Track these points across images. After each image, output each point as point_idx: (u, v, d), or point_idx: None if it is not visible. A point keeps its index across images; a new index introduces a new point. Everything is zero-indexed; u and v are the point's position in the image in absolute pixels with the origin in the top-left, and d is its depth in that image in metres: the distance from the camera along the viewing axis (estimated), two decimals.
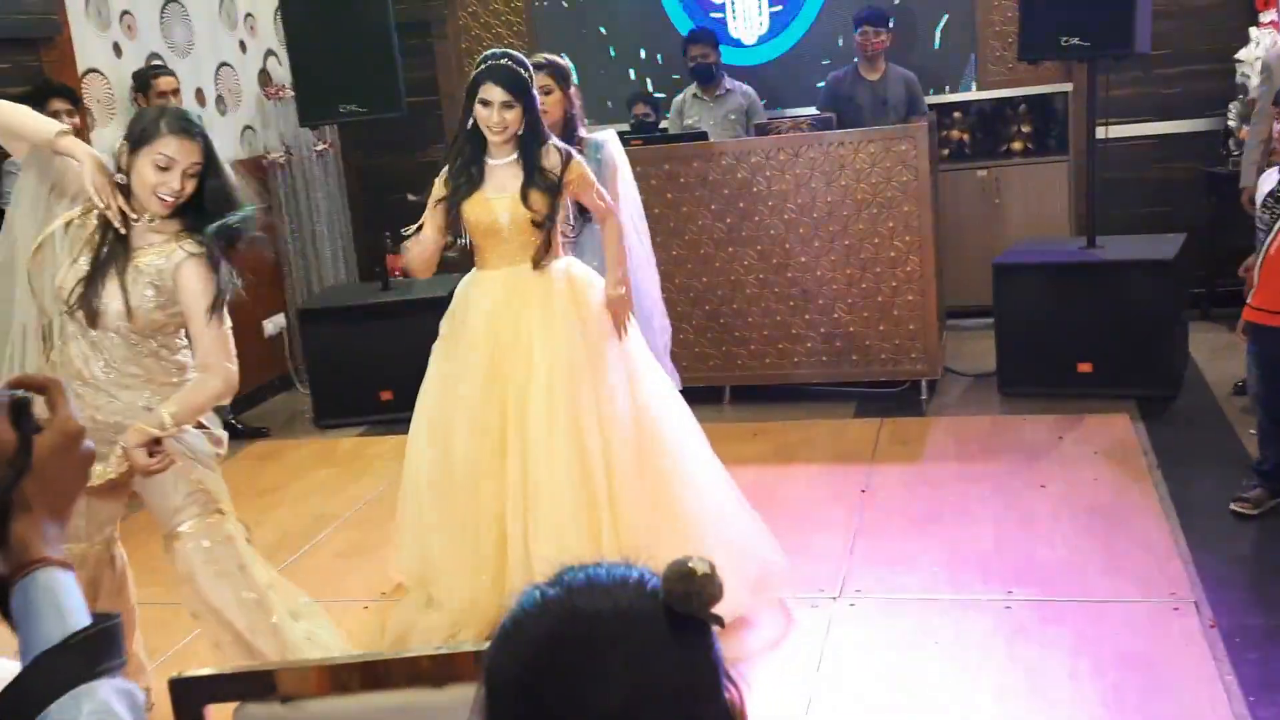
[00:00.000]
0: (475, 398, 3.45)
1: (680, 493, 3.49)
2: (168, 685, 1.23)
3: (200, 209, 2.81)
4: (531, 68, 3.44)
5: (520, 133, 3.38)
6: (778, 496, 4.43)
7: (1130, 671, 3.07)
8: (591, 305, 3.50)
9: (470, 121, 3.41)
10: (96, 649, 0.96)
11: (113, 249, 2.79)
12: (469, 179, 3.43)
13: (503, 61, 3.36)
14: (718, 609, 0.91)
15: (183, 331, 2.93)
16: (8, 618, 1.02)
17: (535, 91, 3.44)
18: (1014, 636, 3.31)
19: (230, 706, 1.23)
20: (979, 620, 3.43)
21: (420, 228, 3.49)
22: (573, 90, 3.97)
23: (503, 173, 3.43)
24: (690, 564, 0.90)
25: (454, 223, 3.46)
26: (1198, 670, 3.05)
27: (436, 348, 3.65)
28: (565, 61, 4.08)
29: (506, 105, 3.33)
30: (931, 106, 6.38)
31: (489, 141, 3.41)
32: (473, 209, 3.42)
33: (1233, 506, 3.95)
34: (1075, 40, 4.99)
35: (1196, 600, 3.40)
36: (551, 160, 3.42)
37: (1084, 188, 5.79)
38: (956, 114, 6.81)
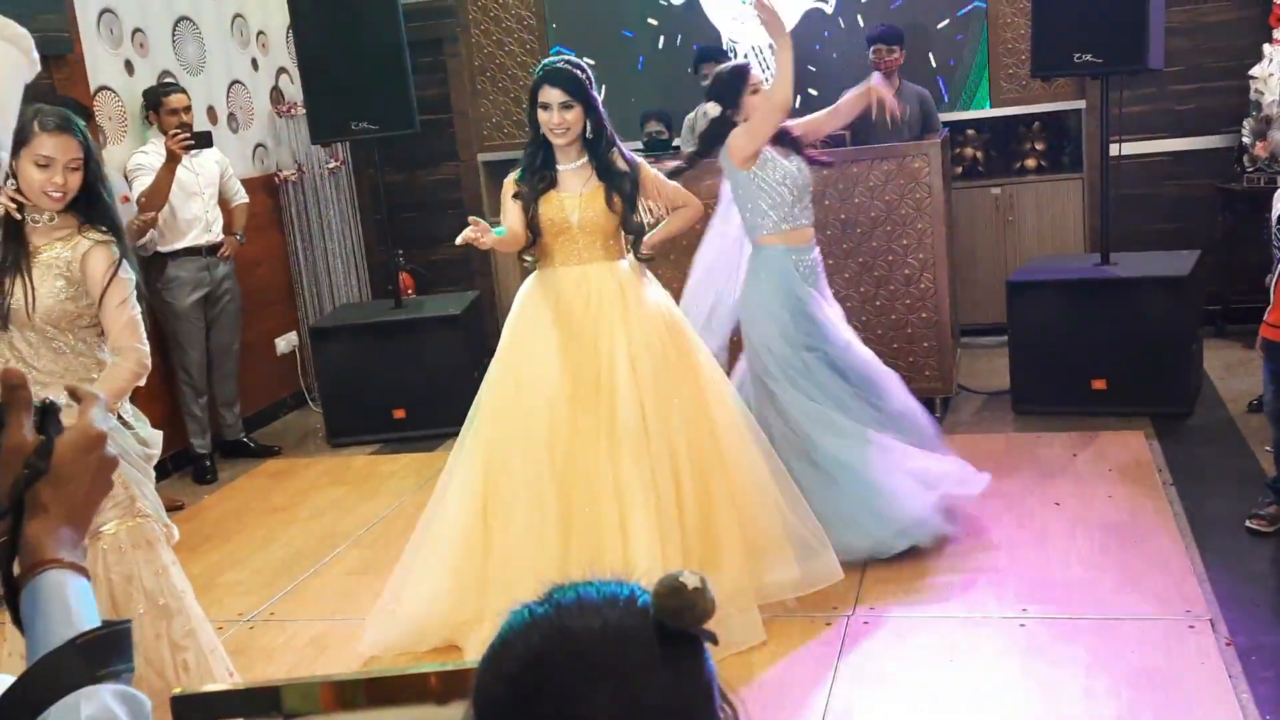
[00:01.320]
0: (559, 394, 3.46)
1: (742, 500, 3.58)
2: (169, 702, 1.22)
3: (91, 201, 2.87)
4: (589, 73, 3.53)
5: (587, 135, 3.51)
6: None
7: (1146, 689, 3.04)
8: (661, 302, 3.63)
9: (539, 133, 3.53)
10: (102, 652, 0.94)
11: (14, 249, 2.85)
12: (543, 179, 3.54)
13: (558, 64, 3.48)
14: (711, 625, 0.90)
15: (97, 329, 2.94)
16: (18, 619, 1.01)
17: (595, 94, 3.53)
18: (1028, 654, 3.28)
19: None
20: (993, 638, 3.40)
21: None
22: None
23: (573, 177, 3.55)
24: (681, 578, 0.88)
25: (532, 219, 3.52)
26: (1214, 688, 3.02)
27: (498, 358, 3.65)
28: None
29: (565, 106, 3.44)
30: (945, 124, 6.37)
31: (555, 147, 3.53)
32: (547, 206, 3.52)
33: (1248, 524, 3.92)
34: (1088, 57, 4.98)
35: (1212, 618, 3.37)
36: (622, 164, 3.55)
37: (1098, 205, 5.77)
38: (970, 131, 6.81)
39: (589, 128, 3.50)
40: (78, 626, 0.96)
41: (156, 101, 5.45)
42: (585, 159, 3.55)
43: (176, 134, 5.06)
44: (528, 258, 3.68)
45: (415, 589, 3.57)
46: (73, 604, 0.98)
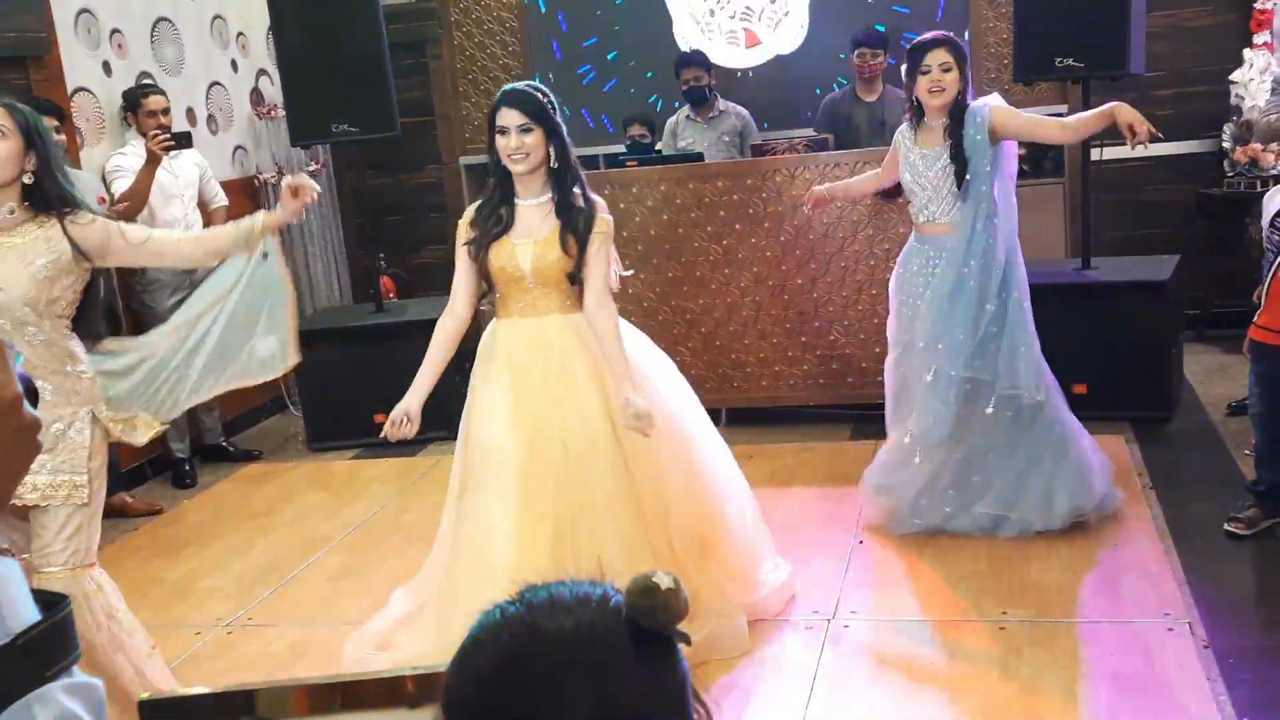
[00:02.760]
0: (511, 456, 3.24)
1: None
2: (136, 707, 1.20)
3: (41, 187, 2.82)
4: (551, 97, 3.25)
5: (553, 165, 3.22)
6: (774, 519, 4.38)
7: (1125, 692, 3.05)
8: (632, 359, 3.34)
9: (499, 164, 3.25)
10: (47, 648, 0.86)
11: None
12: (498, 220, 3.27)
13: (518, 85, 3.28)
14: (684, 626, 0.89)
15: (68, 320, 2.88)
16: None
17: (559, 119, 3.25)
18: (1008, 657, 3.28)
19: None
20: (973, 641, 3.40)
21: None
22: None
23: (532, 214, 3.26)
24: (654, 578, 0.87)
25: (482, 268, 3.28)
26: (1192, 691, 3.03)
27: (469, 403, 3.46)
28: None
29: (524, 129, 3.17)
30: None
31: (515, 178, 3.25)
32: (498, 254, 3.25)
33: (1227, 527, 3.93)
34: (1070, 61, 5.01)
35: (1191, 621, 3.38)
36: (586, 200, 3.26)
37: (1079, 209, 5.79)
38: None
39: (553, 155, 3.21)
40: (18, 621, 0.86)
41: (135, 103, 5.42)
42: (549, 194, 3.26)
43: (156, 135, 5.04)
44: (484, 306, 3.44)
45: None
46: (5, 594, 0.87)
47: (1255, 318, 3.89)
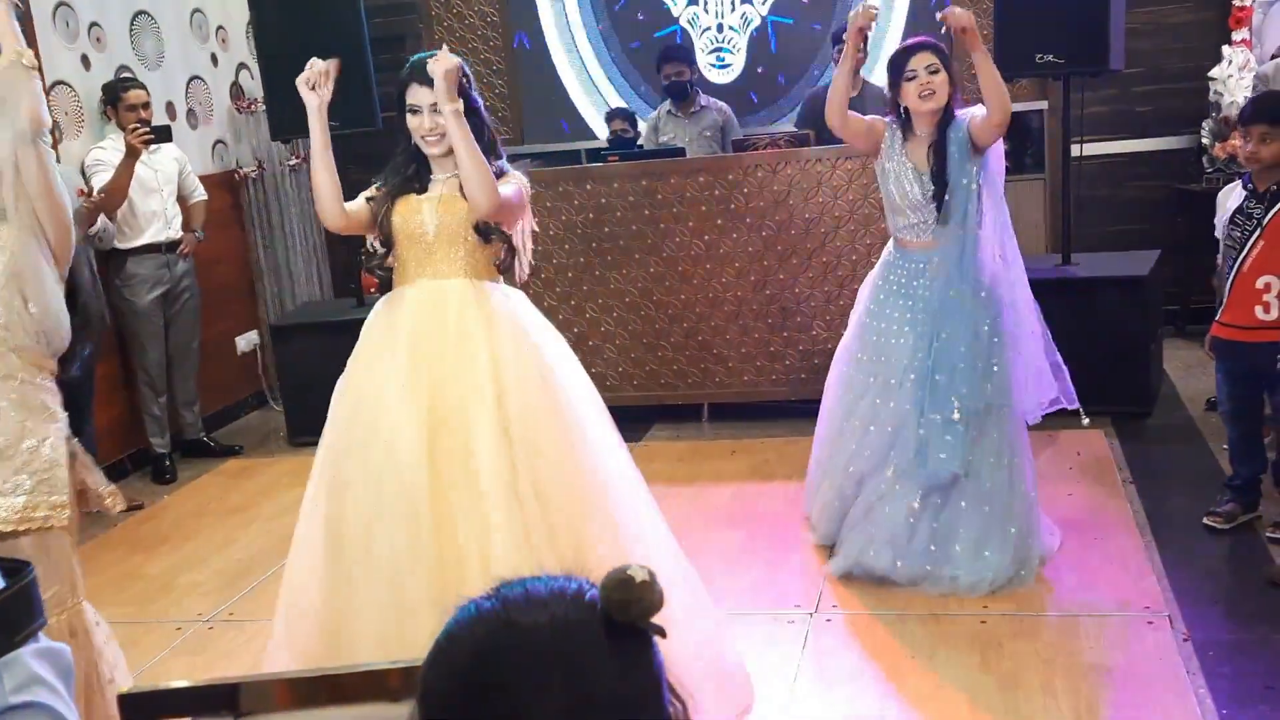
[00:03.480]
0: (405, 430, 2.86)
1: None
2: (116, 700, 1.19)
3: None
4: (465, 69, 2.89)
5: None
6: (756, 513, 4.41)
7: (1104, 685, 3.07)
8: (532, 340, 2.99)
9: (410, 142, 2.99)
10: (13, 615, 0.86)
11: None
12: (407, 180, 3.00)
13: (426, 60, 2.87)
14: (658, 619, 0.89)
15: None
16: None
17: (477, 97, 2.97)
18: (989, 650, 3.30)
19: None
20: (955, 635, 3.41)
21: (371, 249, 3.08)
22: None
23: (443, 186, 3.00)
24: (629, 571, 0.87)
25: (383, 223, 2.97)
26: (1171, 683, 3.05)
27: (340, 385, 3.11)
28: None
29: (437, 108, 2.87)
30: None
31: (429, 156, 2.99)
32: (403, 208, 2.97)
33: (1206, 521, 3.96)
34: (1050, 57, 5.02)
35: (1170, 614, 3.41)
36: (493, 160, 2.94)
37: (1059, 205, 5.81)
38: None
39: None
40: None
41: (115, 97, 5.38)
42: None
43: (136, 129, 5.00)
44: (380, 272, 3.10)
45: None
46: None
47: (1218, 315, 3.92)
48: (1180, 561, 3.74)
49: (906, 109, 3.76)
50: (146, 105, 5.40)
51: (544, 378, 2.95)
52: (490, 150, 2.97)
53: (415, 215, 2.96)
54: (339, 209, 2.99)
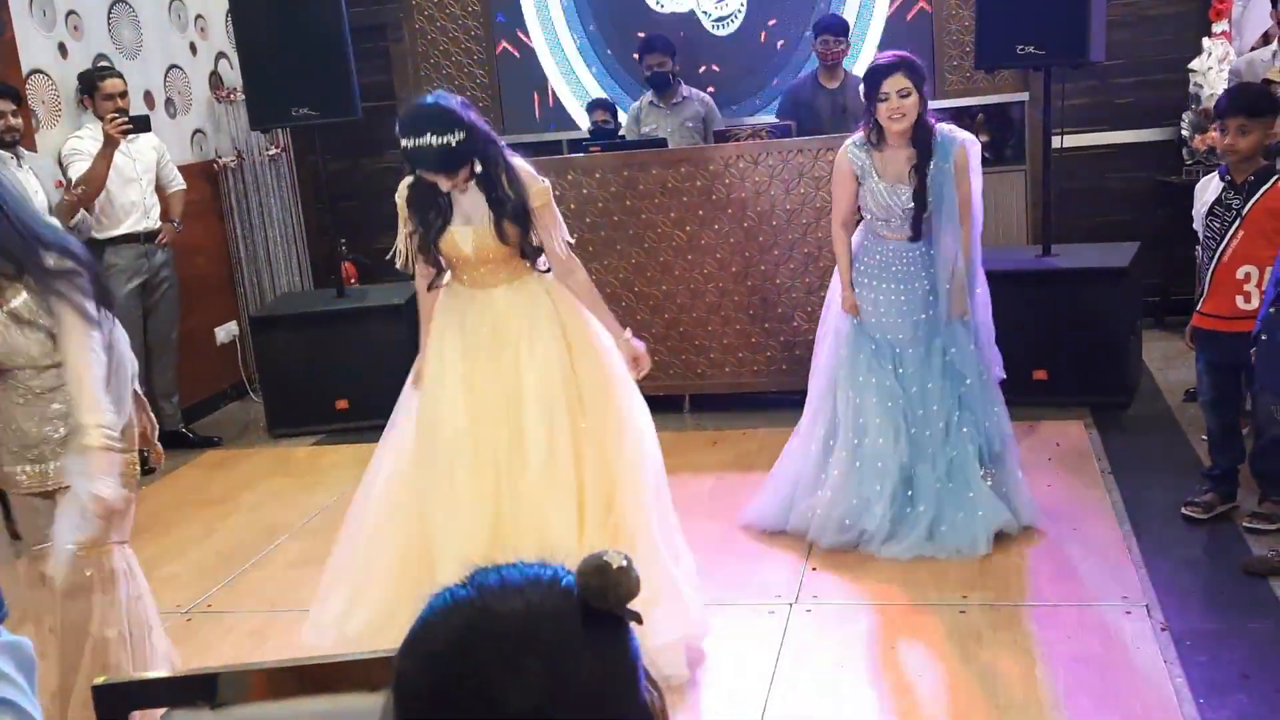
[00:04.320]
0: (458, 417, 3.27)
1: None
2: (90, 691, 1.18)
3: None
4: (456, 120, 3.06)
5: (478, 171, 3.16)
6: (737, 504, 4.41)
7: (1083, 674, 3.08)
8: (574, 323, 3.34)
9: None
10: None
11: None
12: (438, 211, 3.23)
13: (425, 142, 3.02)
14: (634, 605, 0.89)
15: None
16: None
17: (475, 121, 3.12)
18: (968, 640, 3.31)
19: (158, 713, 1.19)
20: (934, 625, 3.43)
21: (399, 254, 3.37)
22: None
23: (466, 201, 3.23)
24: (606, 557, 0.87)
25: (434, 258, 3.29)
26: (1149, 673, 3.07)
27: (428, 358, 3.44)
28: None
29: (448, 177, 3.12)
30: None
31: None
32: (444, 243, 3.26)
33: (1184, 511, 3.98)
34: (1031, 49, 5.03)
35: (1148, 604, 3.43)
36: (514, 188, 3.19)
37: (1040, 197, 5.83)
38: None
39: (478, 165, 3.14)
40: None
41: (92, 85, 5.33)
42: (475, 183, 3.21)
43: (115, 118, 4.96)
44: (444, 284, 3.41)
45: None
46: None
47: (1198, 305, 3.94)
48: (1158, 551, 3.76)
49: (871, 123, 3.92)
50: (124, 94, 5.35)
51: (587, 365, 3.33)
52: (499, 166, 3.19)
53: (455, 248, 3.26)
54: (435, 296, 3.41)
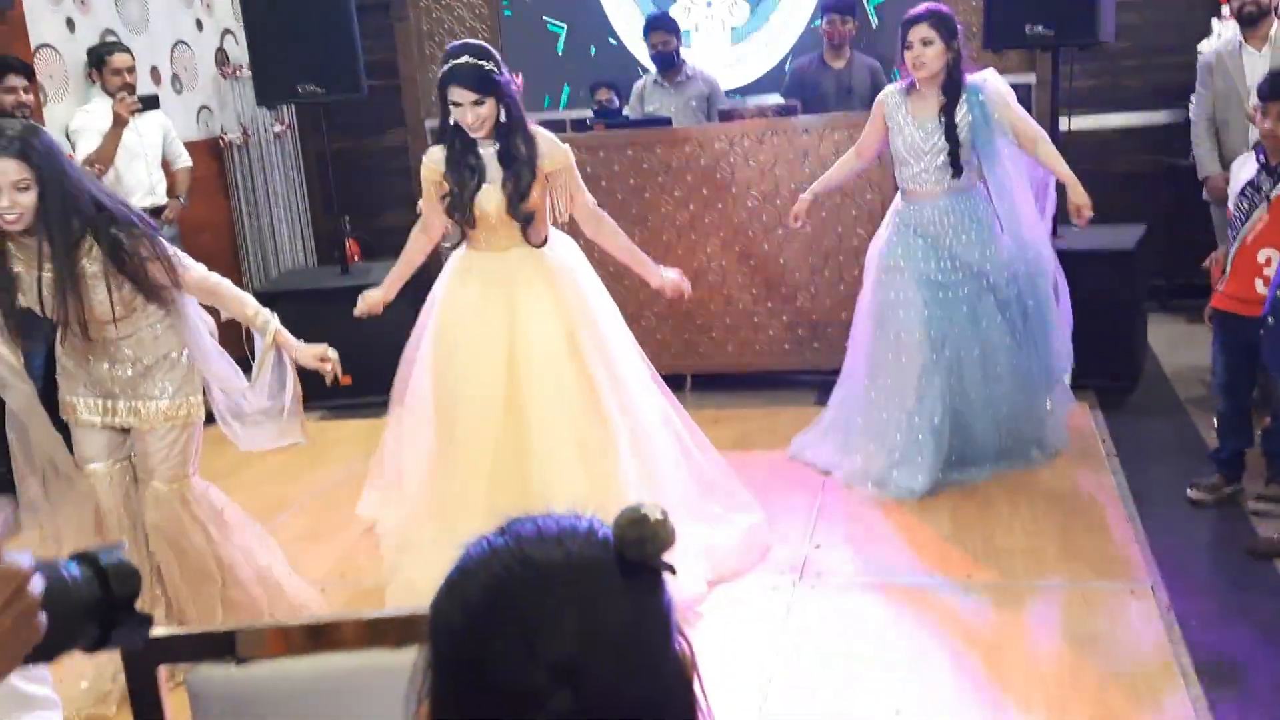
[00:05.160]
0: (472, 373, 3.55)
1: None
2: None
3: (49, 214, 2.81)
4: (493, 56, 3.44)
5: (502, 121, 3.44)
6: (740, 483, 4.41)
7: (1088, 654, 3.09)
8: (578, 285, 3.63)
9: (452, 119, 3.48)
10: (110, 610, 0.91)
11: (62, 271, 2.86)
12: (472, 170, 3.48)
13: (463, 60, 3.38)
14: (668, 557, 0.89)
15: (145, 303, 3.08)
16: None
17: (505, 78, 3.44)
18: (972, 618, 3.32)
19: (185, 668, 1.20)
20: (938, 603, 3.43)
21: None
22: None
23: (491, 163, 3.50)
24: (643, 509, 0.88)
25: (470, 217, 3.51)
26: (1154, 653, 3.07)
27: (427, 319, 3.84)
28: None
29: (477, 103, 3.38)
30: None
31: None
32: (477, 200, 3.51)
33: (1189, 494, 3.99)
34: (1039, 29, 5.01)
35: (1153, 585, 3.43)
36: (527, 146, 3.47)
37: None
38: None
39: (503, 113, 3.43)
40: None
41: (100, 60, 5.32)
42: (496, 145, 3.50)
43: (124, 98, 4.95)
44: (445, 244, 3.77)
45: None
46: None
47: (1218, 286, 3.93)
48: (1163, 533, 3.77)
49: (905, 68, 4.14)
50: (132, 69, 5.34)
51: (593, 322, 3.60)
52: (518, 121, 3.46)
53: (479, 205, 3.49)
54: (428, 246, 3.81)
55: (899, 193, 4.32)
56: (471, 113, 3.39)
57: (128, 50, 5.42)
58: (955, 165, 4.07)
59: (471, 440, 3.55)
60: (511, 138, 3.45)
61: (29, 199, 2.76)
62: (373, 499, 4.19)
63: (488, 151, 3.50)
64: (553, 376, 3.51)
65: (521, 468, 3.49)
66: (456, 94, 3.39)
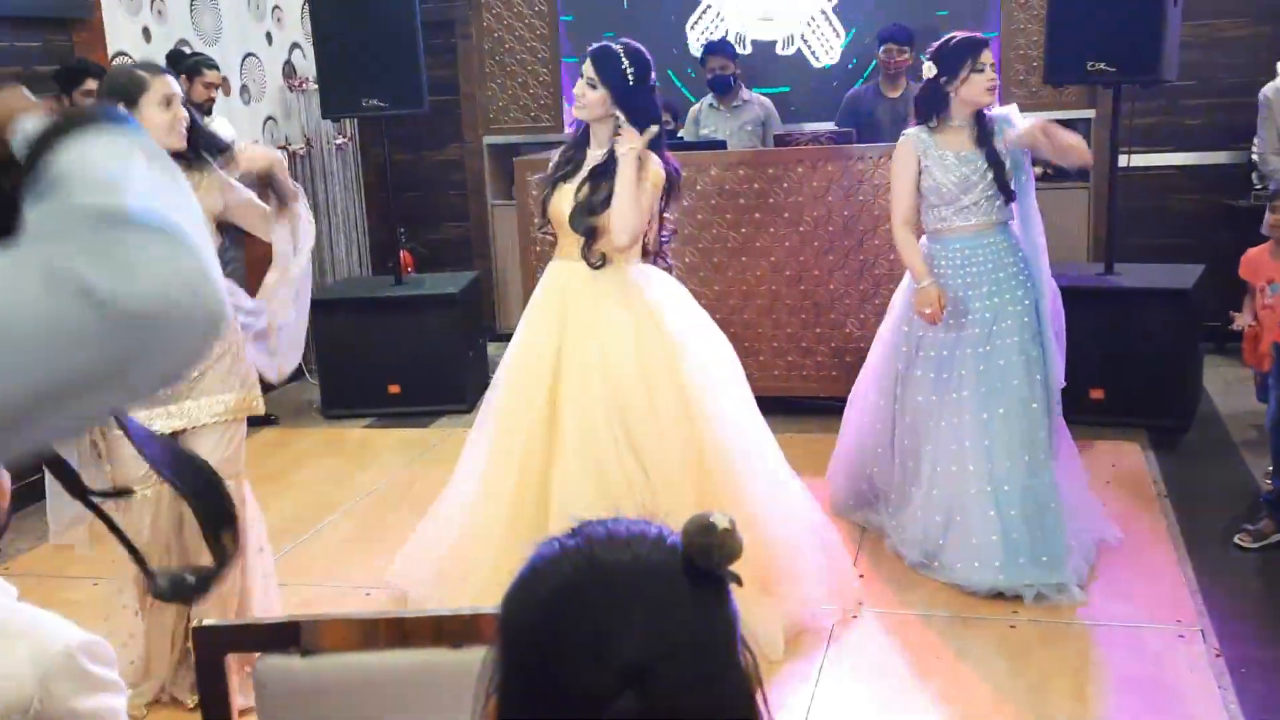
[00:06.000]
0: (526, 387, 3.45)
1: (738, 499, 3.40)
2: (190, 633, 1.21)
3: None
4: (643, 62, 3.35)
5: (617, 122, 3.34)
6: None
7: (1134, 695, 3.05)
8: (650, 312, 3.43)
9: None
10: None
11: None
12: (570, 162, 3.45)
13: (607, 43, 3.41)
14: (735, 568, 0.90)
15: None
16: None
17: (633, 82, 3.33)
18: (1017, 656, 3.29)
19: (252, 657, 1.23)
20: (982, 638, 3.40)
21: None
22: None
23: (589, 165, 3.42)
24: (711, 518, 0.88)
25: (543, 205, 3.46)
26: (1202, 697, 3.03)
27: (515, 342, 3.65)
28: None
29: (590, 83, 3.35)
30: None
31: (590, 128, 3.44)
32: (554, 198, 3.43)
33: (1237, 539, 3.93)
34: (1102, 65, 4.98)
35: (1202, 628, 3.38)
36: (621, 148, 3.31)
37: (1103, 214, 5.78)
38: None
39: (619, 116, 3.33)
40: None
41: (194, 71, 5.39)
42: (610, 146, 3.39)
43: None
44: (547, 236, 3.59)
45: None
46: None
47: None
48: (1214, 576, 3.72)
49: (968, 97, 3.81)
50: (219, 85, 5.47)
51: (657, 352, 3.39)
52: (649, 121, 3.33)
53: (557, 205, 3.41)
54: None
55: (924, 236, 4.00)
56: (582, 87, 3.36)
57: (216, 66, 5.53)
58: (1006, 191, 3.82)
59: (507, 452, 3.47)
60: (616, 144, 3.34)
61: None
62: (405, 566, 3.82)
63: (597, 153, 3.41)
64: (589, 399, 3.34)
65: (544, 492, 3.36)
66: (584, 66, 3.38)
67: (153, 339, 0.69)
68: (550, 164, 3.55)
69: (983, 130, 3.85)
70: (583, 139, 3.47)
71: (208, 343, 0.73)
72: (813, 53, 7.02)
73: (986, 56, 3.84)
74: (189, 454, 0.93)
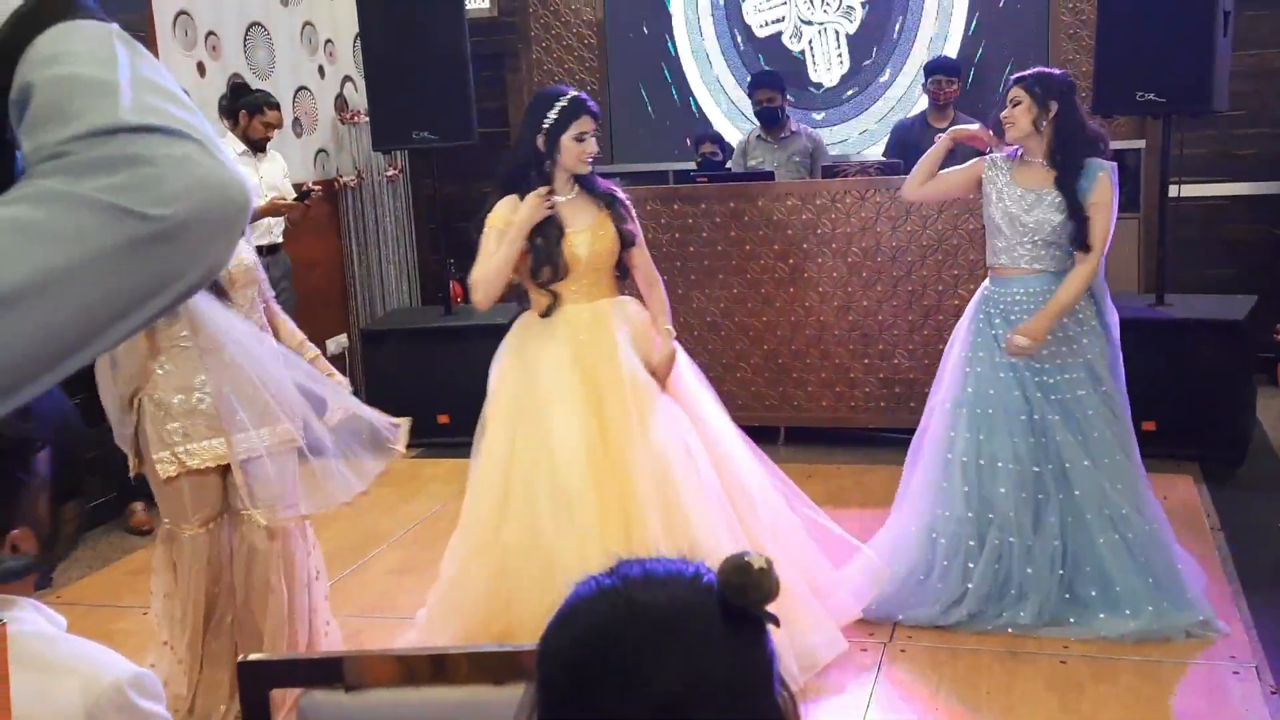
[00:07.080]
0: (574, 428, 3.33)
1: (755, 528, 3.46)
2: (236, 668, 1.24)
3: None
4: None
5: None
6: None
7: None
8: (647, 340, 3.49)
9: (546, 162, 3.37)
10: None
11: None
12: (554, 224, 3.35)
13: (585, 95, 3.43)
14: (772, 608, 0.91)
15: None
16: None
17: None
18: (1068, 690, 3.25)
19: (296, 692, 1.25)
20: (1032, 672, 3.37)
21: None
22: None
23: (570, 209, 3.40)
24: (747, 558, 0.89)
25: (560, 265, 3.35)
26: None
27: (499, 394, 3.60)
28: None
29: (596, 135, 3.41)
30: None
31: (557, 179, 3.39)
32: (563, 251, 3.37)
33: None
34: (1151, 96, 4.95)
35: (1257, 665, 3.33)
36: (605, 192, 3.46)
37: (1154, 245, 5.72)
38: None
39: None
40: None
41: (257, 109, 5.48)
42: (576, 189, 3.43)
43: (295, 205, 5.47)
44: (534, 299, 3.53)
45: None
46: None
47: None
48: (1269, 612, 3.66)
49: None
50: (278, 125, 5.58)
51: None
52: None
53: (570, 250, 3.36)
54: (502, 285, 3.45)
55: (989, 276, 3.90)
56: (592, 144, 3.39)
57: (279, 106, 5.62)
58: (1080, 238, 3.65)
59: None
60: (590, 181, 3.44)
61: None
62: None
63: (564, 199, 3.41)
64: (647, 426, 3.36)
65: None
66: (585, 123, 3.34)
67: (194, 239, 0.74)
68: (503, 212, 3.45)
69: (1064, 176, 3.69)
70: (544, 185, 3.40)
71: (240, 224, 0.77)
72: (814, 62, 7.08)
73: (1011, 93, 3.75)
74: (76, 416, 0.98)
